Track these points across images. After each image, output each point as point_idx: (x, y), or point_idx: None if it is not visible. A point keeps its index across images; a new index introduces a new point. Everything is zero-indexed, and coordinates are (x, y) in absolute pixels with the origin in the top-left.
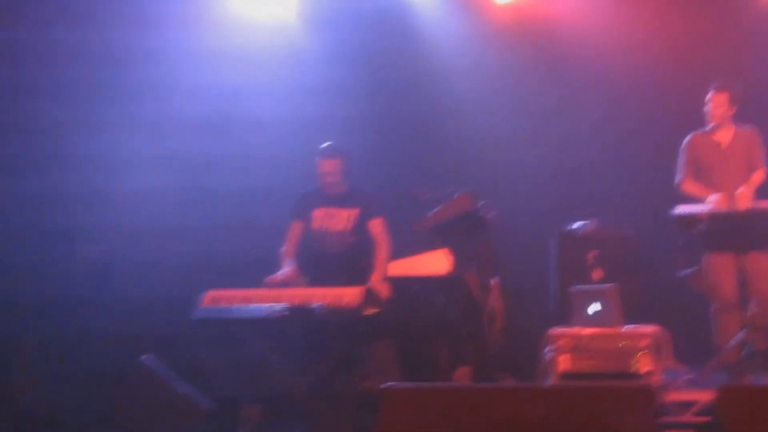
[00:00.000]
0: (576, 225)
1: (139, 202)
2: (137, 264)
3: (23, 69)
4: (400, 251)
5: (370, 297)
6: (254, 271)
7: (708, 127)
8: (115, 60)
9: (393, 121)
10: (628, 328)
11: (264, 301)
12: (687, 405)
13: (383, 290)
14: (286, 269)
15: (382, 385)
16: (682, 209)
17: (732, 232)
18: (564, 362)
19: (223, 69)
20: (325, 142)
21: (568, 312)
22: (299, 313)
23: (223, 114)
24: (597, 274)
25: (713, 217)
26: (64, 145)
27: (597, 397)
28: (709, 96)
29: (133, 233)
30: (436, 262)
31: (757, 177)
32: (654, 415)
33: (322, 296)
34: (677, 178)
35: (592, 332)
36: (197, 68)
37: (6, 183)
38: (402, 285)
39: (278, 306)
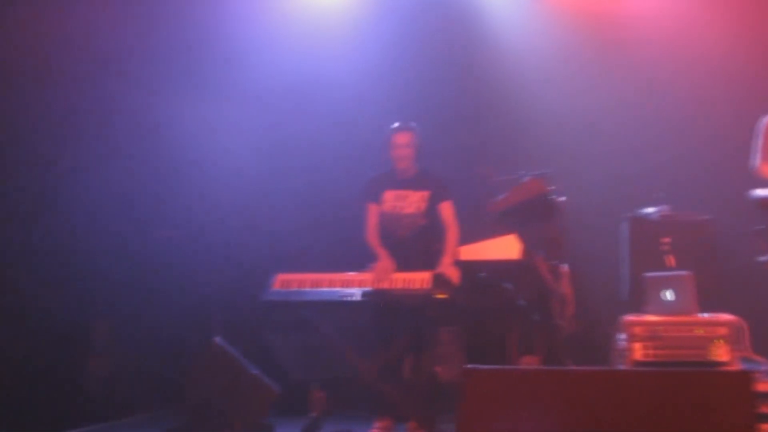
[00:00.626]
0: (649, 209)
1: (212, 188)
2: (208, 248)
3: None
4: (468, 236)
5: (440, 282)
6: (322, 255)
7: None
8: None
9: (464, 105)
10: (704, 317)
11: (334, 285)
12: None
13: (453, 275)
14: (384, 257)
15: (467, 366)
16: (760, 193)
17: None
18: (638, 350)
19: (300, 55)
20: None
21: (640, 299)
22: (371, 297)
23: (293, 102)
24: (671, 260)
25: None
26: (138, 136)
27: (692, 382)
28: None
29: (204, 218)
30: (505, 248)
31: None
32: (751, 402)
33: (392, 280)
34: (753, 162)
35: (667, 320)
36: (275, 55)
37: (78, 170)
38: (471, 270)
39: (351, 290)
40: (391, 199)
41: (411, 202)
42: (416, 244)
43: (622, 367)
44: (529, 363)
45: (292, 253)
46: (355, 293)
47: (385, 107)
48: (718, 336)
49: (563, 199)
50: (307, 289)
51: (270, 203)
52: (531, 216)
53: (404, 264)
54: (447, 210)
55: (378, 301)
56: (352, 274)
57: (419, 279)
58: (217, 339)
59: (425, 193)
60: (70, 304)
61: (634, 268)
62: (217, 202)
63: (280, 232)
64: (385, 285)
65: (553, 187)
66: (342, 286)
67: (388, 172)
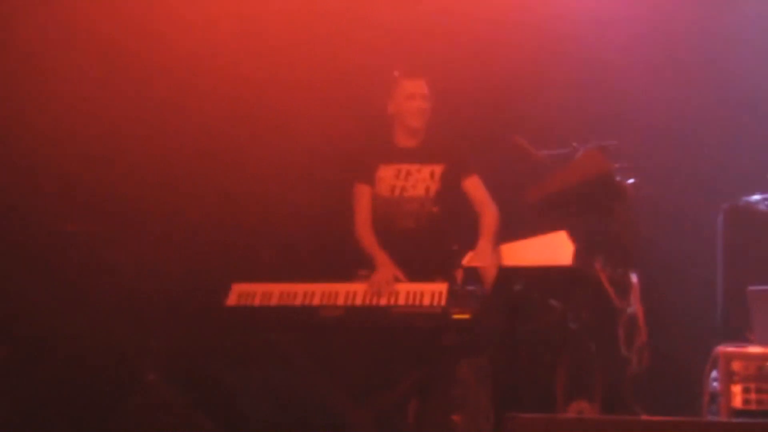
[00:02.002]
0: (753, 197)
1: (135, 161)
2: (135, 246)
3: None
4: (500, 234)
5: (471, 277)
6: (295, 258)
7: None
8: None
9: (494, 50)
10: None
11: (312, 300)
12: None
13: (489, 264)
14: (384, 262)
15: (509, 414)
16: None
17: None
18: (737, 395)
19: None
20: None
21: (741, 323)
22: (363, 318)
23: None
24: None
25: None
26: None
27: None
28: None
29: (126, 205)
30: (551, 250)
31: None
32: None
33: (393, 294)
34: None
35: None
36: None
37: None
38: (503, 281)
39: (336, 306)
40: (388, 176)
41: (417, 180)
42: (426, 242)
43: (715, 418)
44: (581, 410)
45: (252, 256)
46: (342, 311)
47: (383, 53)
48: None
49: (632, 181)
50: (275, 305)
51: (221, 184)
52: (587, 205)
53: (408, 270)
54: (475, 186)
55: (374, 322)
56: (336, 285)
57: (430, 292)
58: (150, 376)
59: (437, 168)
60: None
61: (734, 279)
62: (144, 182)
63: (235, 226)
64: (384, 301)
65: (618, 165)
66: (323, 301)
67: (383, 140)
